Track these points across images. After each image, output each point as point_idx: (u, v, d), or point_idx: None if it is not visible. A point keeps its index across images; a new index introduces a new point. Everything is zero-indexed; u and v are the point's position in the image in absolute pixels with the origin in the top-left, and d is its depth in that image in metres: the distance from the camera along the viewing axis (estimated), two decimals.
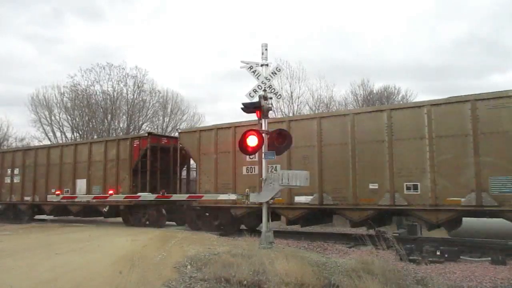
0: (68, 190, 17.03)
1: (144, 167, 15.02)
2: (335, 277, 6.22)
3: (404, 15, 50.74)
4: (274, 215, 12.15)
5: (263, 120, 9.26)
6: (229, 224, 13.16)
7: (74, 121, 34.15)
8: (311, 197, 11.41)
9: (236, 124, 13.28)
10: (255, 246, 8.53)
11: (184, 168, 16.11)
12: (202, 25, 62.56)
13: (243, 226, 13.40)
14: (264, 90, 9.34)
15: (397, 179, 10.22)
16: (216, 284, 5.91)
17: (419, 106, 10.45)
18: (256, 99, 9.28)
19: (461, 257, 8.76)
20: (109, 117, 33.68)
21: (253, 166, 12.55)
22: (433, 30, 47.77)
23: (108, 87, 33.69)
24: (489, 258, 8.42)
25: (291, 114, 26.29)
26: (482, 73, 44.71)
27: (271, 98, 9.44)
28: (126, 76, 33.74)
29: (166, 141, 16.15)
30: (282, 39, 49.55)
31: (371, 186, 10.57)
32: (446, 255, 8.63)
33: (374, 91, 29.65)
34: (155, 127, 35.00)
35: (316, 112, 26.00)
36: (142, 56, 57.80)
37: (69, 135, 33.97)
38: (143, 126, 34.91)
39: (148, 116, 35.48)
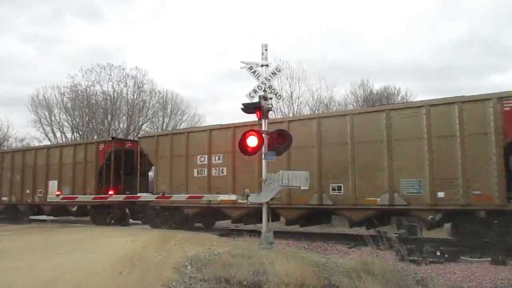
0: (41, 191, 18.25)
1: (108, 170, 16.02)
2: (335, 278, 6.21)
3: (404, 15, 50.80)
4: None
5: (263, 120, 9.26)
6: (183, 222, 14.04)
7: (74, 122, 34.19)
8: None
9: (189, 130, 15.30)
10: (255, 247, 8.53)
11: (151, 170, 16.95)
12: (202, 25, 62.63)
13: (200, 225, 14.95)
14: (264, 91, 9.33)
15: (324, 181, 11.29)
16: (216, 285, 5.90)
17: (343, 114, 11.70)
18: (256, 100, 9.27)
19: (461, 257, 8.76)
20: (109, 118, 33.70)
21: (203, 169, 13.58)
22: (433, 30, 47.85)
23: (108, 88, 33.77)
24: (489, 258, 8.43)
25: (291, 115, 26.31)
26: (482, 73, 44.78)
27: (271, 98, 9.44)
28: (126, 76, 33.81)
29: (130, 145, 17.25)
30: (282, 39, 49.62)
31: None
32: (446, 256, 8.63)
33: (374, 92, 29.67)
34: (155, 127, 35.05)
35: (316, 112, 26.05)
36: (142, 56, 57.91)
37: (69, 135, 34.04)
38: (143, 127, 34.99)
39: (148, 117, 35.55)
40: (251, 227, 13.28)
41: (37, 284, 6.10)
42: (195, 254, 7.89)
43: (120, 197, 14.60)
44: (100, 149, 16.57)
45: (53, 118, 34.45)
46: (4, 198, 19.96)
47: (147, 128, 34.70)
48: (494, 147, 9.24)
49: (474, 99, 9.80)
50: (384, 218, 11.25)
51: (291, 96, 28.27)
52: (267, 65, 9.55)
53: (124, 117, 34.58)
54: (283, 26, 54.59)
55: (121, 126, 34.17)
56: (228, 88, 55.39)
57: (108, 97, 33.77)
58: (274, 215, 11.91)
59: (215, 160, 13.38)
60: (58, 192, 16.61)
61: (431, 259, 8.44)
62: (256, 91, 9.40)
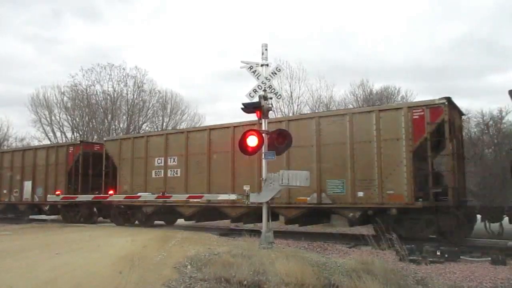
0: (16, 191, 19.41)
1: (77, 171, 17.20)
2: (335, 277, 6.21)
3: (404, 15, 50.79)
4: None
5: (263, 120, 9.26)
6: (144, 220, 15.12)
7: (74, 121, 34.19)
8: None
9: (147, 134, 17.26)
10: (255, 246, 8.53)
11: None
12: (202, 25, 62.63)
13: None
14: (264, 90, 9.33)
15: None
16: (216, 284, 5.90)
17: (280, 121, 12.83)
18: (256, 99, 9.27)
19: (461, 257, 8.75)
20: (109, 117, 33.70)
21: (160, 170, 14.68)
22: (433, 30, 47.87)
23: (108, 87, 33.77)
24: (489, 258, 8.42)
25: (291, 114, 26.31)
26: (482, 73, 44.82)
27: (271, 98, 9.44)
28: (126, 76, 33.82)
29: (98, 147, 18.12)
30: (282, 39, 49.58)
31: (244, 187, 11.95)
32: (446, 255, 8.62)
33: (374, 92, 29.67)
34: (155, 127, 35.07)
35: (316, 111, 26.08)
36: (142, 56, 57.95)
37: (69, 135, 34.07)
38: (143, 126, 35.02)
39: (148, 117, 35.56)
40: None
41: (37, 284, 6.10)
42: (195, 253, 7.89)
43: (120, 197, 14.69)
44: (70, 151, 17.64)
45: (53, 118, 34.53)
46: None
47: (147, 128, 34.76)
48: (404, 151, 10.28)
49: (389, 108, 11.30)
50: (316, 216, 12.36)
51: (291, 96, 28.31)
52: (267, 65, 9.55)
53: (124, 117, 34.63)
54: (283, 26, 54.62)
55: (121, 126, 34.19)
56: (228, 88, 55.49)
57: (108, 97, 33.83)
58: (223, 215, 13.59)
59: (170, 162, 14.42)
60: (58, 192, 16.73)
61: (431, 259, 8.43)
62: (256, 90, 9.40)
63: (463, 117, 12.72)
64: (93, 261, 7.65)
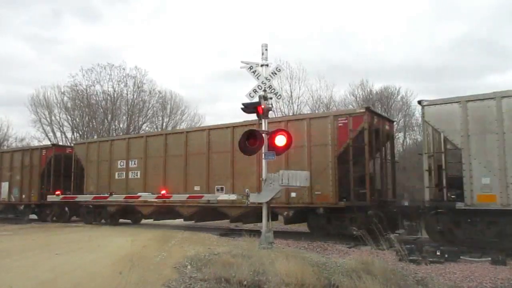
0: None
1: (49, 173, 18.02)
2: (335, 277, 6.21)
3: (404, 15, 50.81)
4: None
5: (263, 120, 9.26)
6: (109, 218, 16.13)
7: (74, 121, 34.19)
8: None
9: (111, 139, 18.00)
10: (255, 246, 8.54)
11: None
12: (202, 25, 62.62)
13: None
14: (264, 90, 9.33)
15: (212, 183, 13.38)
16: (216, 285, 5.90)
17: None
18: (256, 99, 9.27)
19: (461, 257, 8.75)
20: (109, 118, 33.71)
21: (122, 172, 15.72)
22: (433, 31, 47.87)
23: (108, 87, 33.77)
24: (489, 258, 8.42)
25: (291, 114, 26.32)
26: (481, 73, 44.78)
27: (271, 98, 9.45)
28: (126, 76, 33.81)
29: (70, 150, 18.99)
30: (282, 39, 49.59)
31: (195, 188, 13.44)
32: (446, 256, 8.62)
33: (374, 92, 29.65)
34: (155, 127, 35.06)
35: (313, 112, 26.14)
36: (142, 56, 57.92)
37: (69, 135, 34.06)
38: (143, 127, 35.00)
39: (148, 117, 35.56)
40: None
41: (37, 284, 6.11)
42: (195, 254, 7.89)
43: (120, 197, 14.73)
44: (43, 154, 18.50)
45: (53, 118, 34.48)
46: None
47: (147, 128, 34.75)
48: (330, 156, 11.28)
49: (318, 116, 12.34)
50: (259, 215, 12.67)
51: (291, 96, 28.31)
52: (267, 65, 9.55)
53: (124, 117, 34.63)
54: (283, 26, 54.64)
55: (121, 126, 34.20)
56: (228, 88, 55.43)
57: (108, 97, 33.81)
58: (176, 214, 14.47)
59: (131, 164, 15.48)
60: (58, 192, 16.76)
61: (431, 259, 8.43)
62: (256, 91, 9.40)
63: (394, 123, 13.68)
64: (93, 261, 7.66)
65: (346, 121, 11.19)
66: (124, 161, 15.63)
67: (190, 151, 13.96)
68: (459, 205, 9.53)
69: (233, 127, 13.23)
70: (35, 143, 33.04)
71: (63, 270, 6.86)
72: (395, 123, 14.53)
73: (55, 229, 14.45)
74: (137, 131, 33.00)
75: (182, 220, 15.12)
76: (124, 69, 33.69)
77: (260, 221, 11.39)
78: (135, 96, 34.49)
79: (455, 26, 49.38)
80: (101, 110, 33.86)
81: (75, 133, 33.98)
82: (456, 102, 9.97)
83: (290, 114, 26.52)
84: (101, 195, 15.44)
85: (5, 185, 19.73)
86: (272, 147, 9.05)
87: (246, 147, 9.07)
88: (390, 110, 27.29)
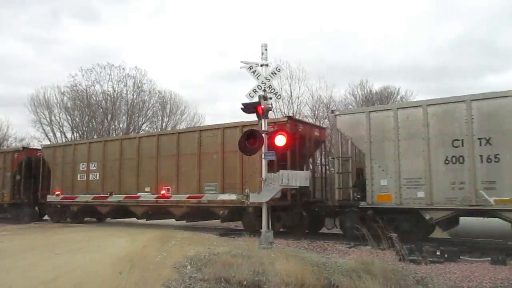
0: None
1: (20, 175, 18.88)
2: (335, 277, 6.21)
3: (404, 15, 50.82)
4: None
5: (263, 120, 9.26)
6: (73, 216, 17.26)
7: (74, 121, 34.17)
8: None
9: (75, 143, 19.61)
10: (255, 246, 8.53)
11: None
12: (202, 25, 62.65)
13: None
14: (264, 90, 9.34)
15: (160, 184, 14.37)
16: (216, 285, 5.90)
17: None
18: (256, 99, 9.28)
19: (461, 257, 8.74)
20: (109, 118, 33.70)
21: (84, 174, 16.75)
22: (432, 31, 47.87)
23: (108, 87, 33.76)
24: (489, 258, 8.41)
25: (290, 114, 26.30)
26: (481, 73, 44.81)
27: (270, 98, 9.45)
28: (126, 76, 33.80)
29: (40, 153, 19.46)
30: (282, 39, 49.58)
31: (146, 189, 14.59)
32: (446, 255, 8.61)
33: (374, 92, 29.64)
34: (155, 127, 35.05)
35: (316, 112, 26.17)
36: (142, 57, 57.89)
37: (69, 135, 34.03)
38: (143, 126, 35.00)
39: (147, 117, 35.55)
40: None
41: (37, 284, 6.11)
42: (195, 254, 7.89)
43: (120, 197, 14.80)
44: (15, 157, 19.44)
45: (53, 118, 34.44)
46: None
47: (147, 128, 34.76)
48: (258, 161, 11.39)
49: (250, 124, 12.60)
50: (201, 214, 14.01)
51: (291, 96, 28.28)
52: (267, 65, 9.56)
53: (124, 117, 34.61)
54: (283, 26, 54.65)
55: (121, 126, 34.20)
56: (227, 88, 55.41)
57: (108, 97, 33.79)
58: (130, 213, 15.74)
59: (92, 167, 16.54)
60: (58, 192, 16.82)
61: (431, 259, 8.42)
62: (256, 90, 9.40)
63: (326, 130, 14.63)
64: (93, 261, 7.66)
65: (273, 128, 11.99)
66: (86, 164, 16.74)
67: (141, 155, 15.09)
68: (362, 204, 10.79)
69: (178, 133, 14.83)
70: (35, 143, 33.05)
71: (63, 270, 6.86)
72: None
73: (54, 229, 14.45)
74: (137, 131, 33.02)
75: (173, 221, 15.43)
76: (124, 69, 33.73)
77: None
78: (134, 96, 34.53)
79: (454, 26, 49.43)
80: (101, 110, 33.85)
81: (75, 133, 33.98)
82: (362, 112, 11.36)
83: (290, 114, 26.54)
84: (100, 195, 15.53)
85: None
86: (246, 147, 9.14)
87: (246, 147, 9.07)
88: None
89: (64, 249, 9.12)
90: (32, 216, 18.66)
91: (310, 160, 13.44)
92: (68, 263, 7.44)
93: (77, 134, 33.69)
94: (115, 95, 33.80)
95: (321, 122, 25.52)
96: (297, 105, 28.38)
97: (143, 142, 15.38)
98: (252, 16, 58.10)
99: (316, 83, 40.47)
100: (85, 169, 16.69)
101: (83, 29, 56.86)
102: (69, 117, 34.23)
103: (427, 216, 9.99)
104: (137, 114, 34.70)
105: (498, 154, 9.26)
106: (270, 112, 10.02)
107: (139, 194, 14.50)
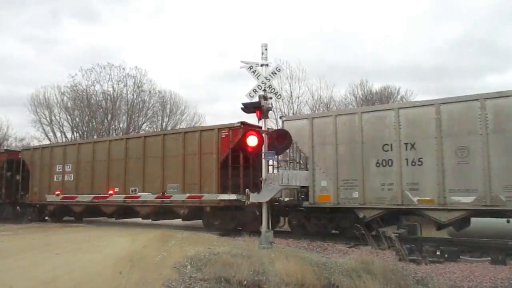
0: None
1: (2, 176, 19.82)
2: (335, 277, 6.22)
3: (403, 15, 50.82)
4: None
5: (263, 120, 9.27)
6: (49, 216, 18.19)
7: (74, 121, 34.16)
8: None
9: (52, 145, 20.59)
10: (255, 246, 8.54)
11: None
12: (202, 25, 62.64)
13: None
14: (264, 90, 9.34)
15: (128, 186, 15.19)
16: (216, 284, 5.91)
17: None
18: (256, 99, 9.28)
19: (461, 257, 8.74)
20: (109, 117, 33.70)
21: (60, 175, 17.58)
22: (432, 31, 47.88)
23: (108, 87, 33.75)
24: (489, 258, 8.41)
25: (291, 114, 26.31)
26: (481, 73, 44.84)
27: (271, 98, 9.46)
28: (126, 76, 33.79)
29: (21, 155, 20.18)
30: (282, 39, 49.59)
31: (116, 189, 15.33)
32: (446, 255, 8.62)
33: (374, 91, 29.63)
34: (155, 127, 35.04)
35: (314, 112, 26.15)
36: (142, 57, 57.91)
37: (69, 135, 34.02)
38: (143, 126, 34.98)
39: (148, 117, 35.54)
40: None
41: (37, 284, 6.10)
42: (195, 254, 7.89)
43: (120, 197, 14.85)
44: None
45: (53, 118, 34.43)
46: None
47: (147, 128, 34.76)
48: (215, 162, 13.11)
49: (207, 129, 14.13)
50: (164, 213, 14.81)
51: (291, 96, 28.29)
52: (267, 65, 9.56)
53: (124, 117, 34.61)
54: (283, 26, 54.64)
55: (121, 126, 34.20)
56: (227, 88, 55.43)
57: (108, 97, 33.79)
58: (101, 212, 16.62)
59: (67, 168, 17.44)
60: (58, 192, 16.85)
61: (431, 259, 8.42)
62: (256, 90, 9.40)
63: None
64: (93, 261, 7.65)
65: (227, 133, 13.10)
66: (61, 165, 17.64)
67: (111, 157, 16.00)
68: (305, 203, 11.56)
69: (144, 137, 15.86)
70: (35, 143, 33.08)
71: (63, 270, 6.86)
72: None
73: (54, 229, 14.44)
74: (137, 131, 33.02)
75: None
76: (124, 69, 33.73)
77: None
78: (135, 96, 34.53)
79: (454, 26, 49.47)
80: (101, 110, 33.84)
81: (75, 133, 33.98)
82: (306, 118, 12.21)
83: (290, 114, 26.56)
84: (100, 195, 15.55)
85: None
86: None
87: (246, 147, 9.07)
88: None
89: (64, 249, 9.12)
90: (15, 216, 19.44)
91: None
92: (68, 263, 7.44)
93: (77, 134, 33.69)
94: (115, 95, 33.82)
95: None
96: (297, 105, 28.41)
97: (113, 145, 16.24)
98: (252, 16, 58.15)
99: (317, 83, 40.59)
100: (61, 170, 17.58)
101: (83, 29, 56.93)
102: (69, 117, 34.25)
103: (361, 215, 10.80)
104: (137, 114, 34.71)
105: (421, 158, 10.16)
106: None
107: (108, 194, 15.35)
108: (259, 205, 12.25)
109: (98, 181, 16.17)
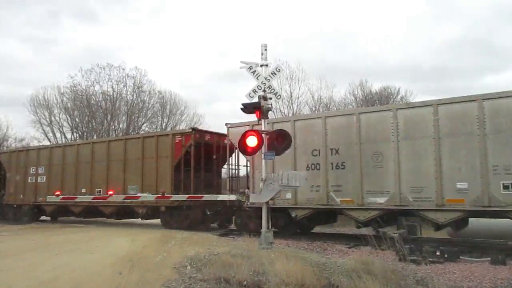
0: None
1: None
2: (335, 277, 6.21)
3: (403, 16, 50.84)
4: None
5: (263, 120, 9.25)
6: (26, 215, 18.89)
7: (74, 122, 34.15)
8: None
9: (26, 148, 21.26)
10: (255, 247, 8.53)
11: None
12: (202, 25, 62.66)
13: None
14: (264, 91, 9.33)
15: (94, 187, 16.26)
16: (216, 285, 5.91)
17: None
18: (255, 100, 9.27)
19: (461, 257, 8.74)
20: (108, 118, 33.69)
21: (33, 177, 18.52)
22: (432, 31, 47.91)
23: (107, 88, 33.74)
24: (489, 258, 8.41)
25: (290, 115, 26.31)
26: (481, 73, 44.87)
27: (270, 98, 9.44)
28: (126, 76, 33.77)
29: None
30: (282, 39, 49.60)
31: (82, 190, 16.49)
32: (446, 255, 8.62)
33: (373, 92, 29.63)
34: (155, 127, 35.03)
35: (320, 111, 26.16)
36: (142, 57, 57.95)
37: (69, 135, 34.01)
38: (143, 127, 34.95)
39: (147, 117, 35.52)
40: None
41: (37, 284, 6.11)
42: (195, 254, 7.89)
43: (120, 197, 14.84)
44: None
45: (52, 118, 34.42)
46: None
47: (147, 128, 34.74)
48: (169, 165, 14.16)
49: (164, 134, 15.44)
50: (126, 213, 16.07)
51: (291, 96, 28.29)
52: (266, 65, 9.54)
53: (124, 117, 34.58)
54: (283, 26, 54.65)
55: (120, 127, 34.18)
56: (227, 88, 55.46)
57: (108, 97, 33.76)
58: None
59: (40, 170, 18.39)
60: (58, 192, 16.83)
61: (431, 259, 8.42)
62: (255, 91, 9.39)
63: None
64: (93, 261, 7.65)
65: (181, 138, 14.14)
66: (35, 167, 18.55)
67: (79, 160, 16.96)
68: (246, 204, 11.93)
69: (109, 141, 16.99)
70: (35, 144, 33.07)
71: (63, 271, 6.86)
72: None
73: (54, 230, 14.44)
74: (136, 131, 33.01)
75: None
76: (123, 69, 33.70)
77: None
78: (134, 97, 34.49)
79: (454, 27, 49.50)
80: (101, 110, 33.83)
81: (74, 134, 33.98)
82: (247, 125, 12.73)
83: (290, 114, 26.56)
84: (100, 195, 15.58)
85: None
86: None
87: (246, 147, 9.06)
88: None
89: (64, 249, 9.12)
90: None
91: (225, 165, 14.88)
92: (68, 263, 7.44)
93: (77, 135, 33.69)
94: (114, 96, 33.80)
95: None
96: (297, 105, 28.42)
97: (81, 149, 17.34)
98: (252, 16, 58.17)
99: (317, 83, 40.53)
100: (34, 172, 18.54)
101: (82, 29, 56.96)
102: (69, 118, 34.22)
103: (293, 214, 11.83)
104: (137, 115, 34.68)
105: (344, 162, 11.15)
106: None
107: (77, 195, 16.32)
108: (207, 204, 13.70)
109: (68, 182, 17.17)
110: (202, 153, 14.21)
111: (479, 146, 9.37)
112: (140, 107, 34.70)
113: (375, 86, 30.29)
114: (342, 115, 11.84)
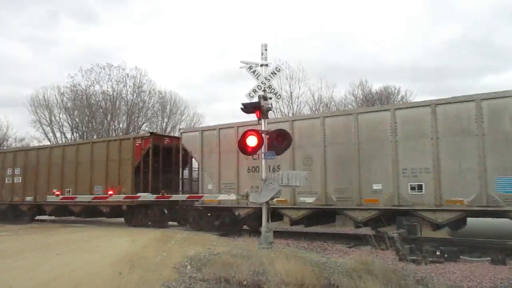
0: None
1: None
2: (335, 277, 6.21)
3: (403, 16, 50.85)
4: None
5: (263, 120, 9.25)
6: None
7: (74, 122, 34.16)
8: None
9: (3, 151, 22.56)
10: (255, 246, 8.53)
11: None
12: (202, 25, 62.67)
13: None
14: (264, 90, 9.32)
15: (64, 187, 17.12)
16: (216, 285, 5.91)
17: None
18: (255, 99, 9.27)
19: (461, 257, 8.74)
20: (108, 118, 33.69)
21: (10, 177, 19.40)
22: (432, 32, 47.90)
23: (107, 88, 33.75)
24: (489, 258, 8.41)
25: (290, 114, 26.32)
26: (481, 73, 44.88)
27: (270, 98, 9.44)
28: (126, 76, 33.79)
29: None
30: (282, 39, 49.59)
31: (54, 190, 16.65)
32: (446, 255, 8.61)
33: (373, 92, 29.65)
34: (155, 127, 35.04)
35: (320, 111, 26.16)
36: (142, 57, 57.93)
37: (69, 135, 34.05)
38: (143, 127, 34.99)
39: (147, 117, 35.54)
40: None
41: (37, 284, 6.11)
42: (195, 254, 7.89)
43: (120, 197, 14.86)
44: None
45: (52, 118, 34.46)
46: None
47: (147, 128, 34.75)
48: (130, 167, 15.09)
49: (125, 138, 16.19)
50: (92, 212, 17.06)
51: (291, 96, 28.29)
52: (266, 65, 9.54)
53: (124, 117, 34.60)
54: (283, 26, 54.65)
55: (120, 126, 34.19)
56: (227, 88, 55.45)
57: (108, 97, 33.77)
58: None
59: (16, 172, 19.21)
60: (58, 192, 16.84)
61: (431, 259, 8.42)
62: (255, 91, 9.39)
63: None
64: (93, 261, 7.65)
65: (140, 142, 15.15)
66: (12, 168, 19.42)
67: (52, 162, 17.77)
68: (196, 204, 13.36)
69: (77, 144, 18.18)
70: (35, 144, 33.09)
71: (63, 271, 6.86)
72: None
73: (54, 230, 14.44)
74: (136, 131, 33.03)
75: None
76: (123, 69, 33.74)
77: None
78: (134, 96, 34.53)
79: (453, 27, 49.48)
80: (101, 110, 33.84)
81: (74, 134, 33.98)
82: (198, 131, 14.27)
83: (290, 114, 26.57)
84: (100, 196, 15.60)
85: None
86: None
87: (246, 147, 9.07)
88: None
89: (64, 249, 9.12)
90: None
91: (187, 167, 15.53)
92: (68, 263, 7.44)
93: (77, 135, 33.70)
94: (114, 95, 33.82)
95: None
96: (297, 105, 28.43)
97: (53, 151, 18.16)
98: (252, 16, 58.17)
99: (317, 83, 40.56)
100: (11, 173, 19.40)
101: (82, 30, 56.94)
102: (69, 117, 34.27)
103: (236, 213, 12.70)
104: (137, 114, 34.71)
105: (279, 165, 11.85)
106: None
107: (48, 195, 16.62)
108: (165, 204, 14.37)
109: (41, 183, 17.96)
110: (161, 156, 15.23)
111: (391, 151, 10.36)
112: (140, 107, 34.74)
113: (375, 86, 30.34)
114: (278, 122, 12.55)
